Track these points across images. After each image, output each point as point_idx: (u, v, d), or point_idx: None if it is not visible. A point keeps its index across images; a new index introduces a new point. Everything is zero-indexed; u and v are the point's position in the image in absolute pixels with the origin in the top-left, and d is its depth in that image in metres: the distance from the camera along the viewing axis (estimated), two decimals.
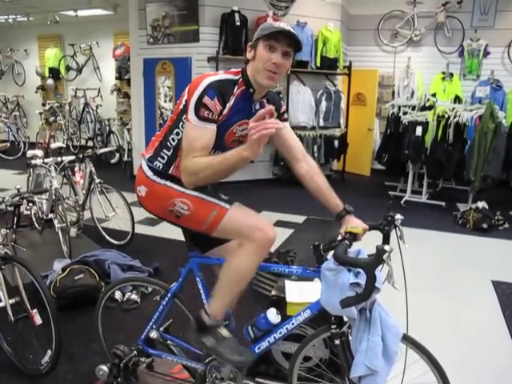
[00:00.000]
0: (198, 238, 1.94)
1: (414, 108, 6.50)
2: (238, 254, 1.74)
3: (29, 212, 4.51)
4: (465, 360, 2.65)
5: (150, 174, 1.85)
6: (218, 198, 1.78)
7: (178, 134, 1.79)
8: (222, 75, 1.77)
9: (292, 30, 1.68)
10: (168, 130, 1.83)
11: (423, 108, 6.44)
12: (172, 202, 1.78)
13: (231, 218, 1.74)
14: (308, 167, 1.92)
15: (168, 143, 1.83)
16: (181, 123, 1.77)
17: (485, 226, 5.22)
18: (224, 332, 1.84)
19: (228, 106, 1.73)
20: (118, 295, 3.22)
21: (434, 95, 7.27)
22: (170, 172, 1.84)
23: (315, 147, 7.32)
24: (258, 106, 1.84)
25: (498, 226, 5.32)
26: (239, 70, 1.80)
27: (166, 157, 1.83)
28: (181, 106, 1.77)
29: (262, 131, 1.49)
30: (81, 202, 4.49)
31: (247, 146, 1.56)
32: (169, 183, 1.81)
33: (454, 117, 5.81)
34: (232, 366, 1.87)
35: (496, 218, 5.37)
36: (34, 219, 4.54)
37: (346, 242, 1.61)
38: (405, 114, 6.38)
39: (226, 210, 1.74)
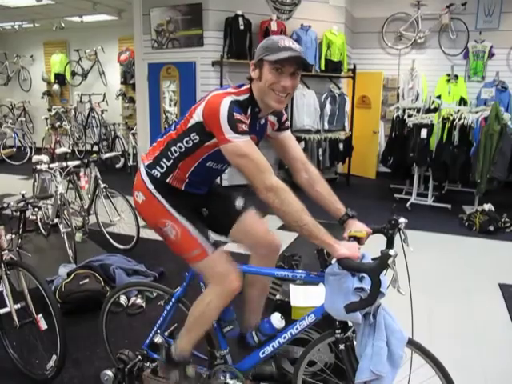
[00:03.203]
0: (214, 224, 2.00)
1: (418, 110, 6.49)
2: (205, 295, 1.89)
3: (35, 217, 4.53)
4: (471, 364, 2.62)
5: (148, 183, 1.87)
6: (205, 237, 1.84)
7: (180, 147, 1.79)
8: (235, 96, 1.70)
9: (300, 53, 1.63)
10: (172, 141, 1.82)
11: (428, 110, 6.42)
12: (164, 222, 1.84)
13: (208, 263, 1.84)
14: (308, 176, 1.93)
15: (169, 153, 1.82)
16: (186, 139, 1.76)
17: (491, 228, 5.19)
18: (189, 371, 1.98)
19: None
20: (123, 300, 3.22)
21: (438, 97, 7.25)
22: (167, 181, 1.86)
23: (320, 150, 7.28)
24: (262, 122, 1.85)
25: (504, 228, 5.28)
26: (247, 87, 1.75)
27: (165, 166, 1.84)
28: (189, 124, 1.74)
29: (352, 255, 1.55)
30: (86, 207, 4.50)
31: (339, 247, 1.56)
32: (166, 204, 1.85)
33: (460, 119, 5.77)
34: None
35: (503, 220, 5.34)
36: (39, 224, 4.56)
37: None
38: (410, 116, 6.37)
39: (206, 254, 1.82)
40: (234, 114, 1.62)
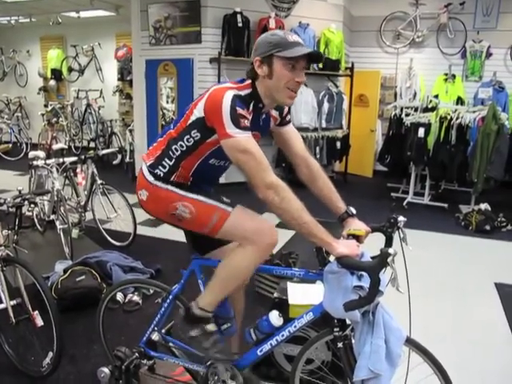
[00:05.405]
0: (199, 240, 1.94)
1: (416, 109, 6.49)
2: (238, 252, 1.74)
3: (31, 213, 4.51)
4: (468, 363, 2.64)
5: (151, 179, 1.83)
6: (219, 201, 1.77)
7: (182, 146, 1.76)
8: (237, 91, 1.68)
9: (312, 49, 1.66)
10: (172, 139, 1.79)
11: (425, 109, 6.42)
12: (174, 205, 1.77)
13: (233, 222, 1.73)
14: (308, 172, 1.92)
15: (171, 152, 1.79)
16: (187, 136, 1.74)
17: (487, 227, 5.21)
18: (210, 327, 1.86)
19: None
20: (119, 297, 3.21)
21: (436, 97, 7.26)
22: (171, 179, 1.82)
23: (317, 148, 7.30)
24: (264, 116, 1.84)
25: (500, 227, 5.31)
26: (248, 83, 1.74)
27: (167, 166, 1.81)
28: (189, 121, 1.72)
29: (351, 253, 1.56)
30: (83, 204, 4.49)
31: (338, 246, 1.56)
32: (170, 187, 1.80)
33: (457, 118, 5.78)
34: (210, 359, 1.89)
35: (499, 219, 5.36)
36: (35, 220, 4.54)
37: None
38: (407, 115, 6.37)
39: (227, 213, 1.73)
40: (237, 108, 1.60)
